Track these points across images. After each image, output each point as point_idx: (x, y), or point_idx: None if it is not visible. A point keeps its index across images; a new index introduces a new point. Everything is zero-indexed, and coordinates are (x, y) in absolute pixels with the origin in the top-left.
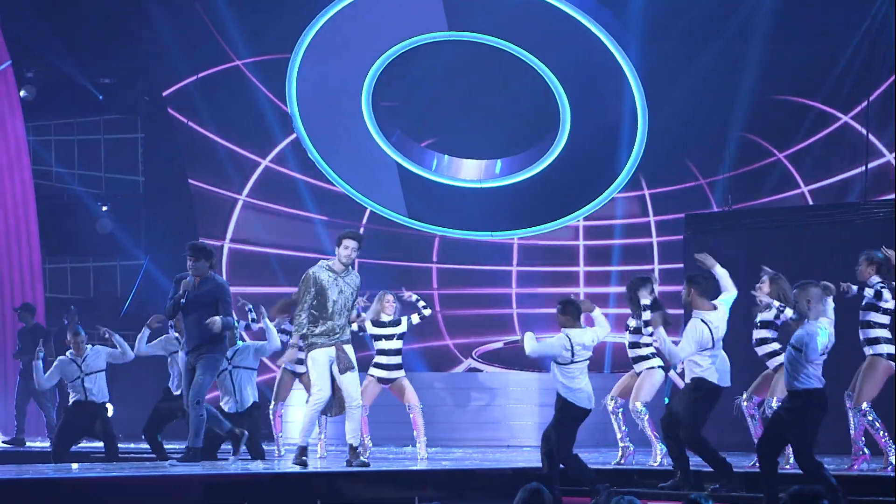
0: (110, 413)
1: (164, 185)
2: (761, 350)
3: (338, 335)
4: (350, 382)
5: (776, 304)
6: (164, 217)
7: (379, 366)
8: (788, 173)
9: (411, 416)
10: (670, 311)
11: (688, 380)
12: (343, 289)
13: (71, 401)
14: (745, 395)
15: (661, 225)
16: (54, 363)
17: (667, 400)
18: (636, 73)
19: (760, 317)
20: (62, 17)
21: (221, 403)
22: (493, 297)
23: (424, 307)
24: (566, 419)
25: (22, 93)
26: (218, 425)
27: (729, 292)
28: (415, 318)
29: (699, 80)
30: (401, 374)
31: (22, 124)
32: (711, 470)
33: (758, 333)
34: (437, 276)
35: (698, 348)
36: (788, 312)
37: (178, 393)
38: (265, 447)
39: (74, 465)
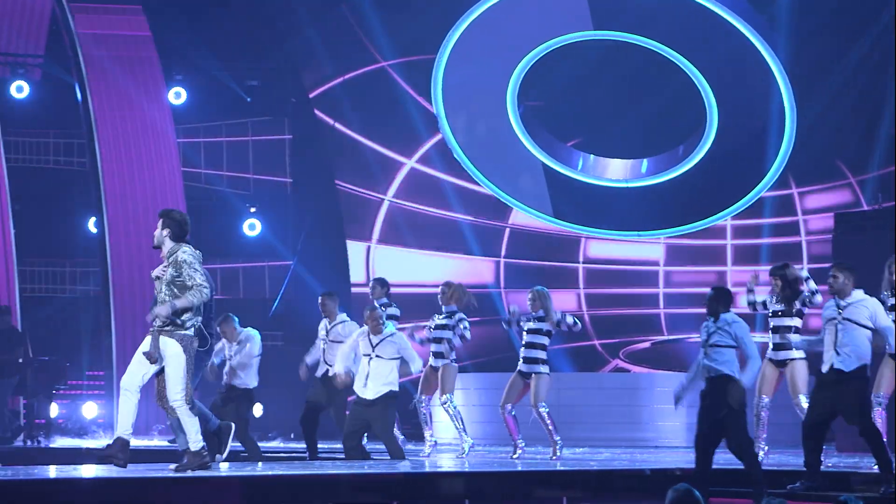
0: (258, 413)
1: (312, 187)
2: None
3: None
4: (166, 376)
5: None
6: (311, 218)
7: (522, 359)
8: None
9: (534, 415)
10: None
11: (850, 367)
12: (160, 273)
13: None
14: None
15: (810, 224)
16: (217, 346)
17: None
18: (784, 71)
19: None
20: (211, 20)
21: (355, 387)
22: (640, 296)
23: (574, 323)
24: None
25: (171, 96)
26: (204, 423)
27: None
28: (570, 318)
29: (848, 77)
30: (538, 369)
31: (172, 126)
32: (838, 471)
33: None
34: (583, 276)
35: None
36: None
37: (323, 375)
38: (413, 446)
39: (224, 465)
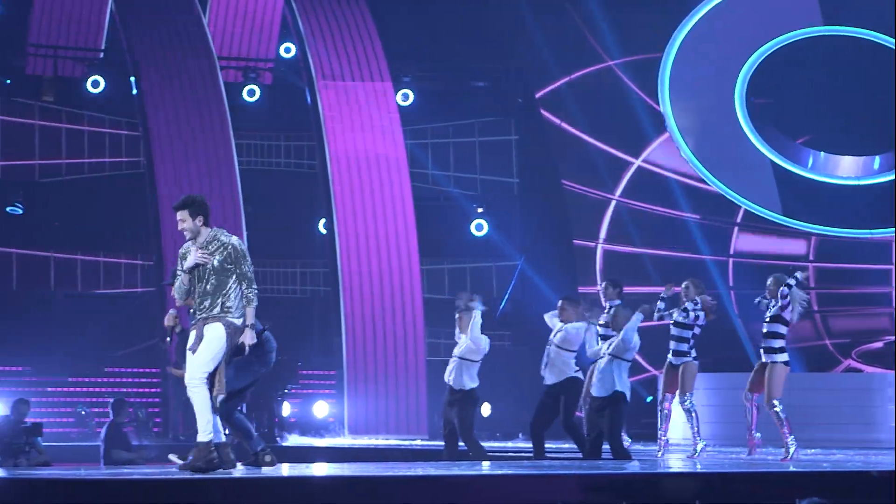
0: (487, 413)
1: (538, 187)
2: None
3: (197, 313)
4: (196, 353)
5: None
6: (537, 218)
7: (762, 348)
8: None
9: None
10: None
11: None
12: (203, 260)
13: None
14: None
15: None
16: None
17: None
18: None
19: None
20: (438, 23)
21: (591, 388)
22: (872, 296)
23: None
24: None
25: (399, 97)
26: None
27: None
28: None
29: None
30: (773, 358)
31: (400, 128)
32: None
33: None
34: (814, 275)
35: None
36: None
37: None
38: (641, 446)
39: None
